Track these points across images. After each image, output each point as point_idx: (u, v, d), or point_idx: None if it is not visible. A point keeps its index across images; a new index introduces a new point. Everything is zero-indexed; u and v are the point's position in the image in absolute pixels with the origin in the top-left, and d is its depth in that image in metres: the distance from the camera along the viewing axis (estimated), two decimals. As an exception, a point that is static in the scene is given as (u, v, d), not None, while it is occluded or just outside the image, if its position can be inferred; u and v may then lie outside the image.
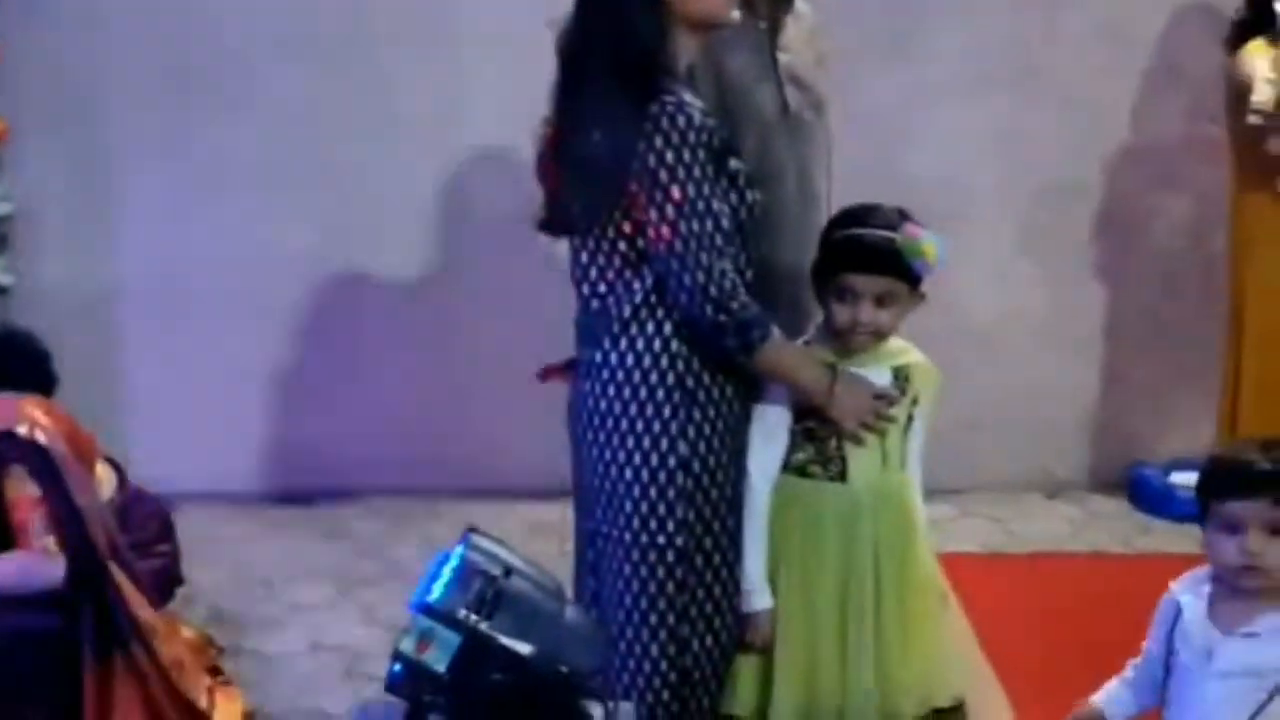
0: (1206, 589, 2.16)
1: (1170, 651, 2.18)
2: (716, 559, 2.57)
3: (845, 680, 2.63)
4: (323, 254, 4.68)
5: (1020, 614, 3.96)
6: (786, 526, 2.62)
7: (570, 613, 2.05)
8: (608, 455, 2.54)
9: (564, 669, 1.96)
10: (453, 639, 1.92)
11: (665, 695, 2.57)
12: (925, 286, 2.65)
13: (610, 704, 2.02)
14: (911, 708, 2.67)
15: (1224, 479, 2.13)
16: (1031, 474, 4.93)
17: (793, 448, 2.61)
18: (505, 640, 1.93)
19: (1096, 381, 4.91)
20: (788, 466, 2.62)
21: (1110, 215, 4.84)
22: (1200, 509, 2.17)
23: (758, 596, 2.60)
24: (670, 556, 2.53)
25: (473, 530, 2.03)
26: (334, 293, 4.73)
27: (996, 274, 4.85)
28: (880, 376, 2.64)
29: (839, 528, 2.61)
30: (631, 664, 2.57)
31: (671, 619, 2.55)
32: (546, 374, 2.70)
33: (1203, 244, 4.73)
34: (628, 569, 2.55)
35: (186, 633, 3.36)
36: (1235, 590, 2.12)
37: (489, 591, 1.97)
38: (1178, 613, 2.16)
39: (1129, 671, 2.32)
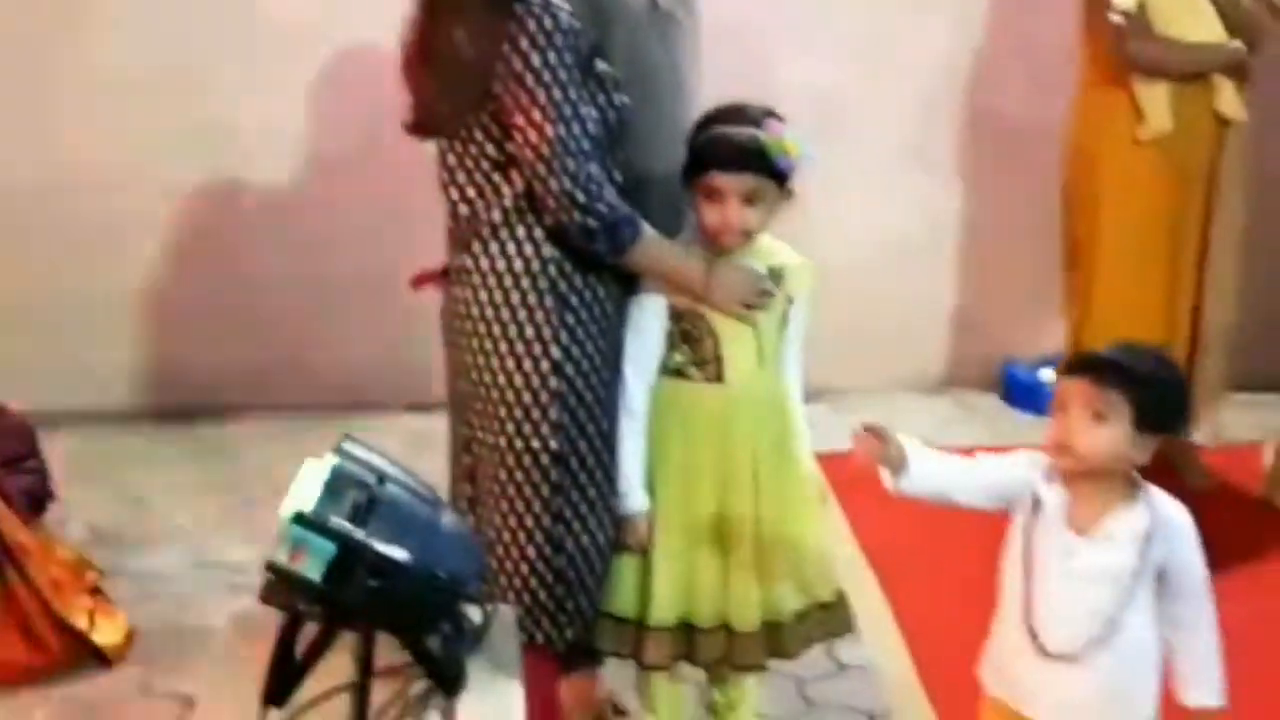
0: (1057, 485, 2.16)
1: (1026, 531, 2.18)
2: (591, 461, 2.58)
3: (726, 579, 2.66)
4: (197, 167, 4.59)
5: (894, 508, 4.03)
6: (665, 429, 2.63)
7: (446, 519, 2.05)
8: (481, 361, 2.54)
9: (441, 574, 1.96)
10: (327, 548, 1.90)
11: (542, 595, 2.59)
12: (803, 191, 2.64)
13: (488, 608, 2.04)
14: (793, 604, 2.72)
15: (1064, 361, 2.14)
16: (908, 374, 5.02)
17: (669, 350, 2.62)
18: (380, 547, 1.91)
19: (970, 285, 5.01)
20: (665, 370, 2.63)
21: (983, 122, 4.91)
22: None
23: (634, 499, 2.62)
24: (545, 460, 2.54)
25: (347, 438, 2.01)
26: (211, 207, 4.65)
27: (871, 181, 4.90)
28: (785, 253, 2.70)
29: (717, 428, 2.63)
30: (509, 566, 2.58)
31: (547, 521, 2.56)
32: (419, 281, 2.69)
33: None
34: (503, 473, 2.56)
35: (63, 554, 3.32)
36: (1082, 484, 2.13)
37: (363, 499, 1.95)
38: (1036, 503, 2.16)
39: (961, 463, 2.29)
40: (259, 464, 4.32)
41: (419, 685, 2.01)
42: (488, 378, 2.54)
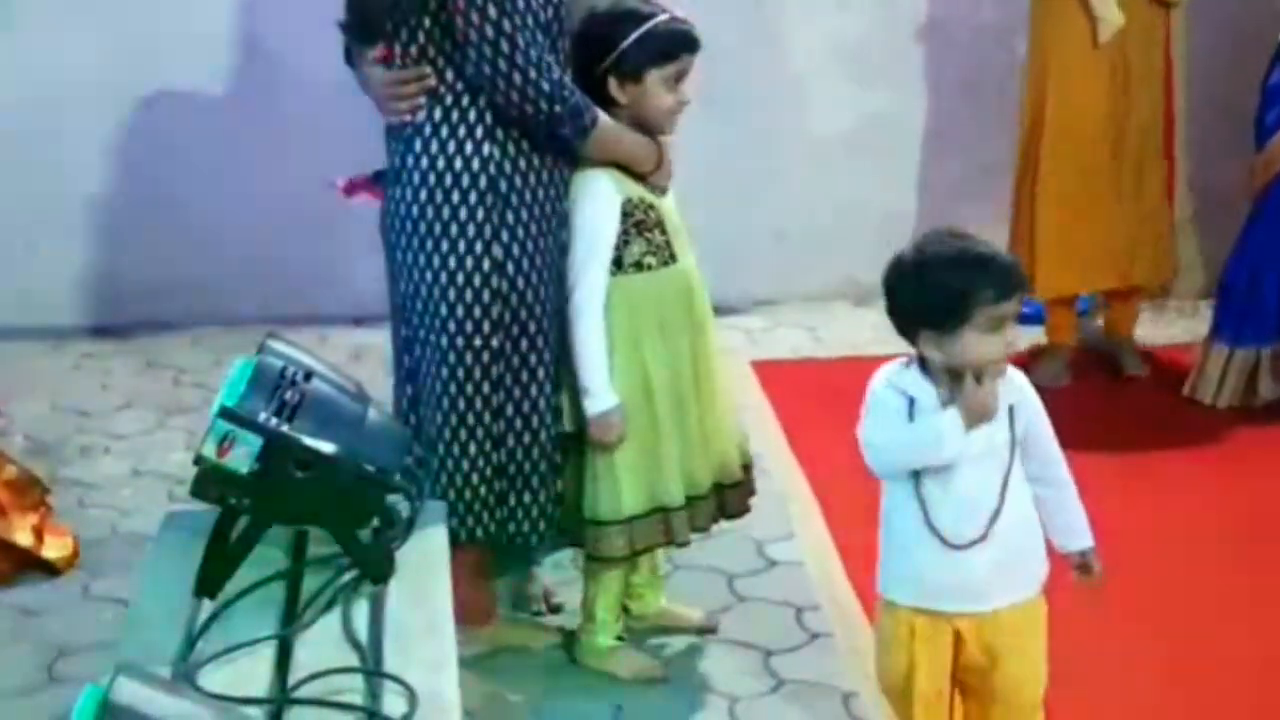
0: (928, 384, 2.18)
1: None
2: (533, 359, 2.63)
3: (710, 442, 2.81)
4: (133, 79, 4.56)
5: (828, 418, 4.12)
6: (642, 321, 2.72)
7: (372, 414, 2.09)
8: (421, 260, 2.58)
9: (368, 467, 2.01)
10: (254, 441, 1.94)
11: (483, 490, 2.65)
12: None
13: (417, 501, 2.09)
14: (738, 463, 2.90)
15: (987, 283, 2.12)
16: (840, 283, 5.08)
17: (623, 246, 2.69)
18: (307, 440, 1.95)
19: (903, 190, 5.05)
20: (622, 266, 2.70)
21: (916, 23, 4.95)
22: (958, 313, 2.13)
23: (604, 396, 2.69)
24: (486, 357, 2.59)
25: (271, 335, 2.05)
26: (149, 119, 4.62)
27: (803, 88, 4.94)
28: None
29: (683, 305, 2.78)
30: (450, 463, 2.64)
31: (488, 417, 2.62)
32: (350, 188, 2.71)
33: (1006, 47, 4.88)
34: (445, 371, 2.60)
35: (8, 474, 3.33)
36: (953, 383, 2.16)
37: (289, 394, 1.99)
38: (912, 405, 2.19)
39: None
40: (196, 375, 4.33)
41: (349, 575, 2.07)
42: (429, 277, 2.58)
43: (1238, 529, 3.50)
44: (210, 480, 2.00)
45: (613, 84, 2.68)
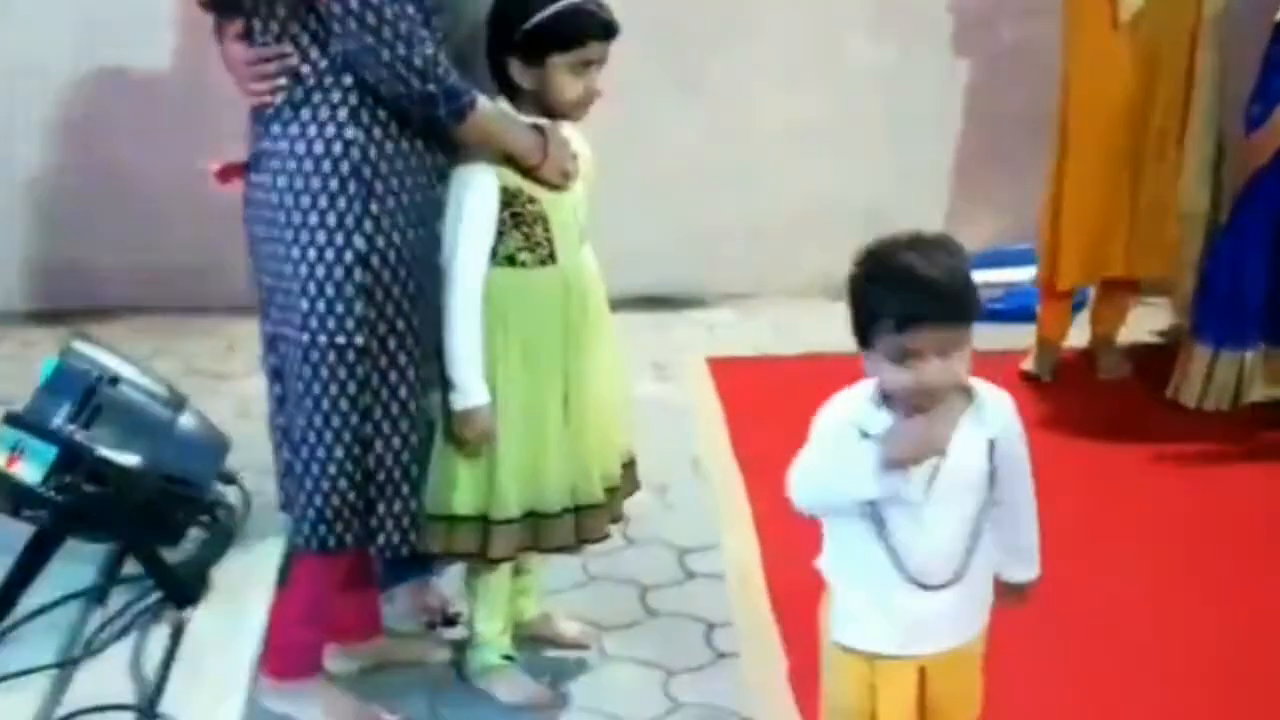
0: (883, 414, 1.96)
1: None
2: (402, 358, 2.47)
3: (572, 460, 2.62)
4: (74, 61, 4.43)
5: (779, 415, 3.93)
6: (502, 319, 2.54)
7: (184, 421, 1.94)
8: (280, 251, 2.41)
9: (174, 478, 1.86)
10: (46, 451, 1.80)
11: (351, 497, 2.48)
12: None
13: (234, 513, 1.93)
14: (617, 468, 2.74)
15: (895, 307, 1.90)
16: (816, 277, 4.89)
17: (499, 239, 2.52)
18: (104, 451, 1.81)
19: (885, 181, 4.85)
20: (495, 258, 2.53)
21: (897, 12, 4.75)
22: (864, 338, 1.97)
23: (473, 393, 2.52)
24: (350, 356, 2.42)
25: (78, 337, 1.89)
26: (89, 103, 4.49)
27: (782, 77, 4.75)
28: (576, 137, 2.63)
29: (556, 310, 2.58)
30: (315, 468, 2.47)
31: (355, 419, 2.45)
32: (224, 173, 2.55)
33: (993, 28, 4.68)
34: (308, 370, 2.44)
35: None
36: (920, 410, 1.95)
37: (89, 401, 1.84)
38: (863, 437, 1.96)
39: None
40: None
41: (152, 597, 1.92)
42: (289, 269, 2.41)
43: (1201, 533, 3.33)
44: (1, 492, 1.86)
45: (515, 66, 2.51)
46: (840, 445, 1.98)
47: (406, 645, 2.86)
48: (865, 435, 1.95)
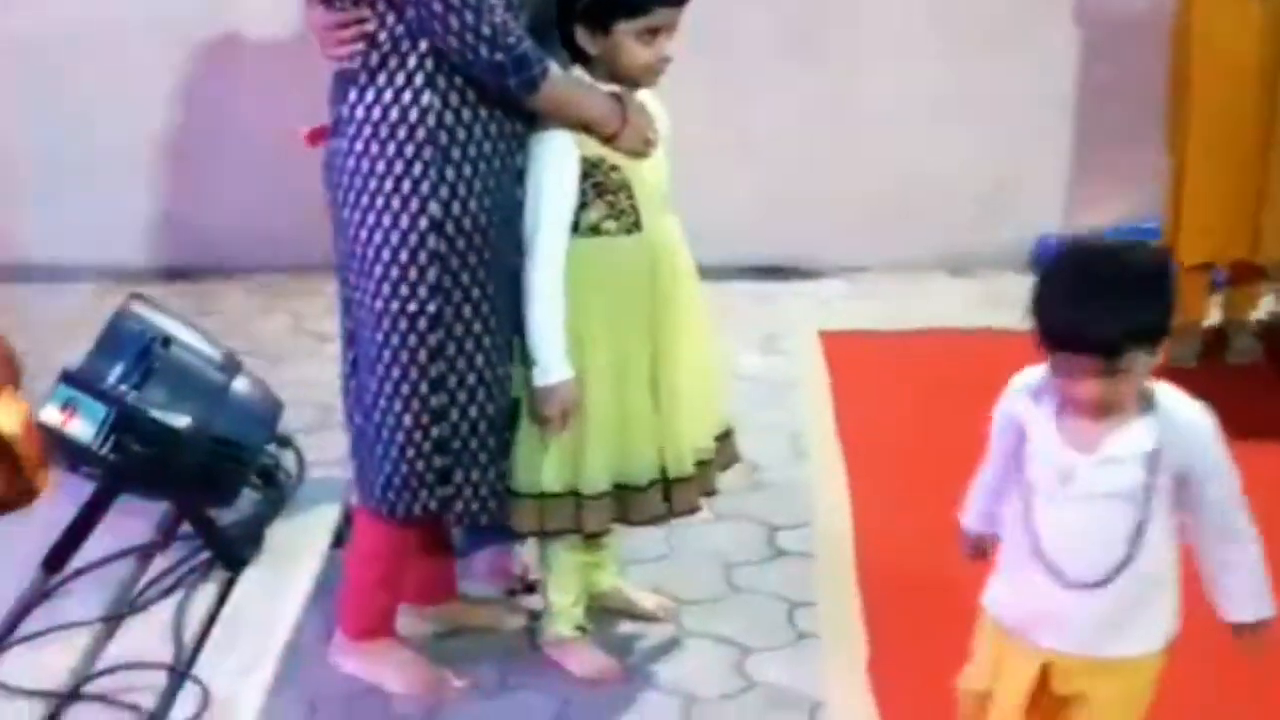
0: (1049, 400, 1.96)
1: (1018, 468, 2.02)
2: (477, 326, 2.45)
3: (661, 432, 2.58)
4: (197, 22, 4.50)
5: (886, 404, 3.85)
6: (587, 291, 2.51)
7: (238, 385, 1.95)
8: (357, 217, 2.41)
9: (223, 441, 1.87)
10: (98, 409, 1.82)
11: (420, 465, 2.47)
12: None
13: (280, 475, 1.94)
14: (712, 438, 2.70)
15: (1045, 323, 1.89)
16: (936, 250, 4.78)
17: (581, 209, 2.48)
18: (155, 412, 1.83)
19: (1006, 153, 4.70)
20: (578, 229, 2.49)
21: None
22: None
23: (554, 369, 2.49)
24: (423, 324, 2.41)
25: (134, 298, 1.91)
26: (210, 63, 4.56)
27: (898, 46, 4.63)
28: (653, 103, 2.58)
29: (644, 279, 2.55)
30: (385, 434, 2.47)
31: (425, 388, 2.44)
32: (314, 136, 2.55)
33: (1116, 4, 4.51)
34: (380, 336, 2.43)
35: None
36: (1092, 418, 1.93)
37: (142, 362, 1.86)
38: (1022, 433, 2.00)
39: (986, 477, 2.13)
40: (243, 322, 4.30)
41: (204, 555, 1.93)
42: (364, 235, 2.41)
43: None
44: (57, 447, 1.89)
45: (581, 34, 2.46)
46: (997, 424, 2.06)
47: (481, 611, 2.86)
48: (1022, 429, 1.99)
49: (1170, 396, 1.96)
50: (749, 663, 2.74)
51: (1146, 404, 1.93)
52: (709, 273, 4.53)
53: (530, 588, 2.92)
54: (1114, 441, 1.92)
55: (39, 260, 4.60)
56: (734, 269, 4.68)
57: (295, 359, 3.83)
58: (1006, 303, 4.32)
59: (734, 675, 2.70)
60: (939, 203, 4.72)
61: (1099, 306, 1.86)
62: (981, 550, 2.17)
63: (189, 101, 4.62)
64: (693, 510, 2.68)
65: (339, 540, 2.07)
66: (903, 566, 2.99)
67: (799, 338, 4.23)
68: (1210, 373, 3.93)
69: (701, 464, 2.65)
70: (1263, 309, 4.21)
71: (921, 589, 2.89)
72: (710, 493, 2.72)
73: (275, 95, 4.51)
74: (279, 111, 4.48)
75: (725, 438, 2.74)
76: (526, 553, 2.97)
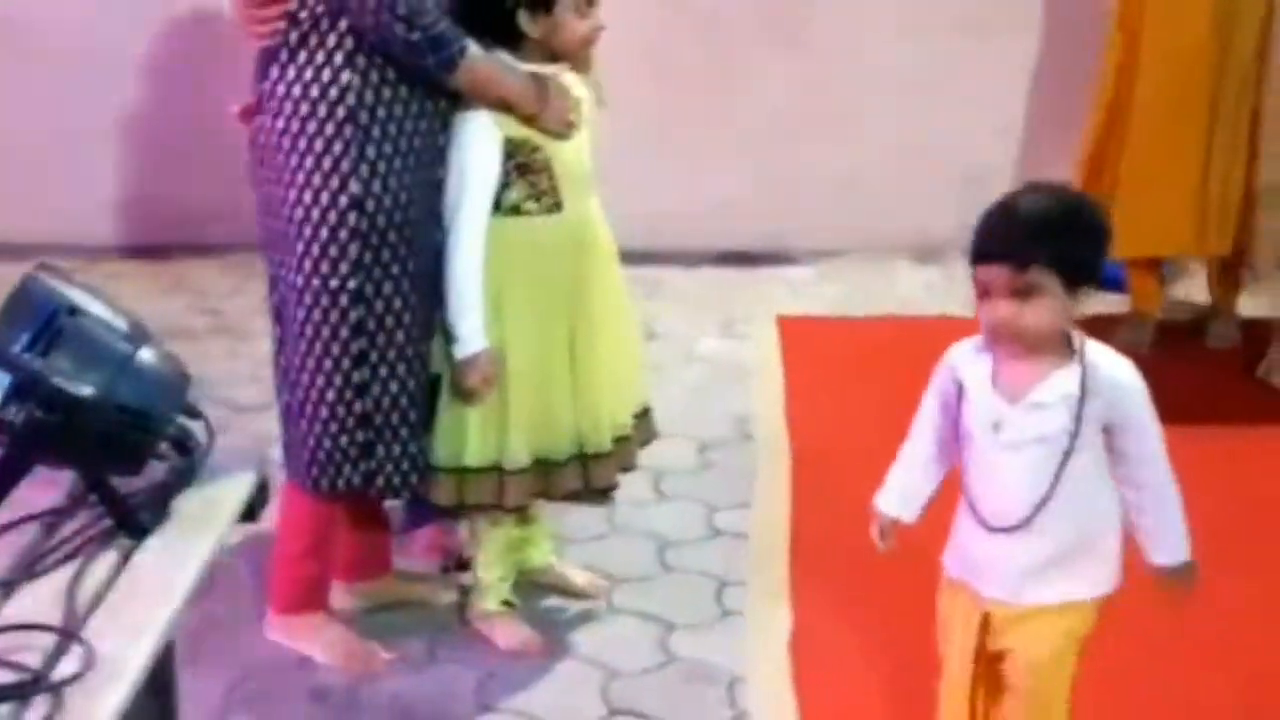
0: (986, 357, 2.04)
1: (957, 423, 2.08)
2: (398, 303, 2.48)
3: (580, 407, 2.63)
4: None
5: (840, 377, 3.89)
6: (508, 269, 2.55)
7: (145, 355, 1.97)
8: (279, 194, 2.45)
9: (128, 411, 1.89)
10: (2, 376, 1.85)
11: (343, 440, 2.52)
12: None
13: (198, 449, 1.97)
14: (631, 413, 2.74)
15: (972, 244, 1.99)
16: (908, 236, 4.79)
17: (504, 188, 2.52)
18: (58, 380, 1.85)
19: (983, 140, 4.71)
20: (500, 208, 2.53)
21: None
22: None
23: (472, 341, 2.53)
24: (344, 300, 2.45)
25: (40, 266, 1.95)
26: (182, 40, 4.60)
27: (872, 32, 4.65)
28: (576, 83, 2.62)
29: (563, 259, 2.59)
30: (309, 410, 2.51)
31: (347, 364, 2.48)
32: (245, 114, 2.58)
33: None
34: (302, 313, 2.47)
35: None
36: (1011, 353, 2.01)
37: (48, 330, 1.88)
38: (960, 386, 2.06)
39: (912, 453, 2.18)
40: (213, 300, 4.35)
41: (108, 523, 1.96)
42: (286, 211, 2.45)
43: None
44: (-39, 413, 1.92)
45: (523, 17, 2.50)
46: (934, 389, 2.10)
47: (414, 586, 2.90)
48: (960, 382, 2.04)
49: (1097, 350, 2.02)
50: (672, 639, 2.77)
51: (1073, 353, 2.00)
52: (679, 258, 4.66)
53: (465, 565, 2.95)
54: (1043, 388, 1.99)
55: (9, 238, 4.64)
56: (703, 254, 4.72)
57: (267, 336, 3.89)
58: (968, 288, 4.39)
59: (656, 650, 2.74)
60: (912, 187, 4.74)
61: (1016, 218, 1.99)
62: (888, 536, 2.20)
63: (161, 79, 4.66)
64: (611, 486, 2.72)
65: (251, 513, 2.11)
66: (836, 549, 3.00)
67: (759, 322, 4.26)
68: (1171, 356, 3.93)
69: (620, 440, 2.69)
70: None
71: (852, 571, 2.91)
72: (628, 468, 2.76)
73: (247, 72, 4.57)
74: (251, 88, 4.57)
75: (643, 415, 2.78)
76: (466, 530, 3.01)
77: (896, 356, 3.96)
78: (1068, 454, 1.99)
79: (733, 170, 4.70)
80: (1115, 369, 2.01)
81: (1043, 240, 1.95)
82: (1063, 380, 1.99)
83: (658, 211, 4.67)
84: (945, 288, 4.48)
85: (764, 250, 4.75)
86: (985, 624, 2.08)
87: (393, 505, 2.94)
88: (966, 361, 2.06)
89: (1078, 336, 2.01)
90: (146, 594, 1.90)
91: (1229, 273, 4.09)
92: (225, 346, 4.04)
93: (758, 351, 4.08)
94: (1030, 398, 1.99)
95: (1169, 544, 2.07)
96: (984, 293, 1.98)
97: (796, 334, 4.19)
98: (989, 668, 2.12)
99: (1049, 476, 1.99)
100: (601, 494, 2.84)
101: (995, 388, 2.02)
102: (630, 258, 4.52)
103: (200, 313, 4.27)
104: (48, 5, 4.49)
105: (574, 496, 2.74)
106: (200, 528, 2.04)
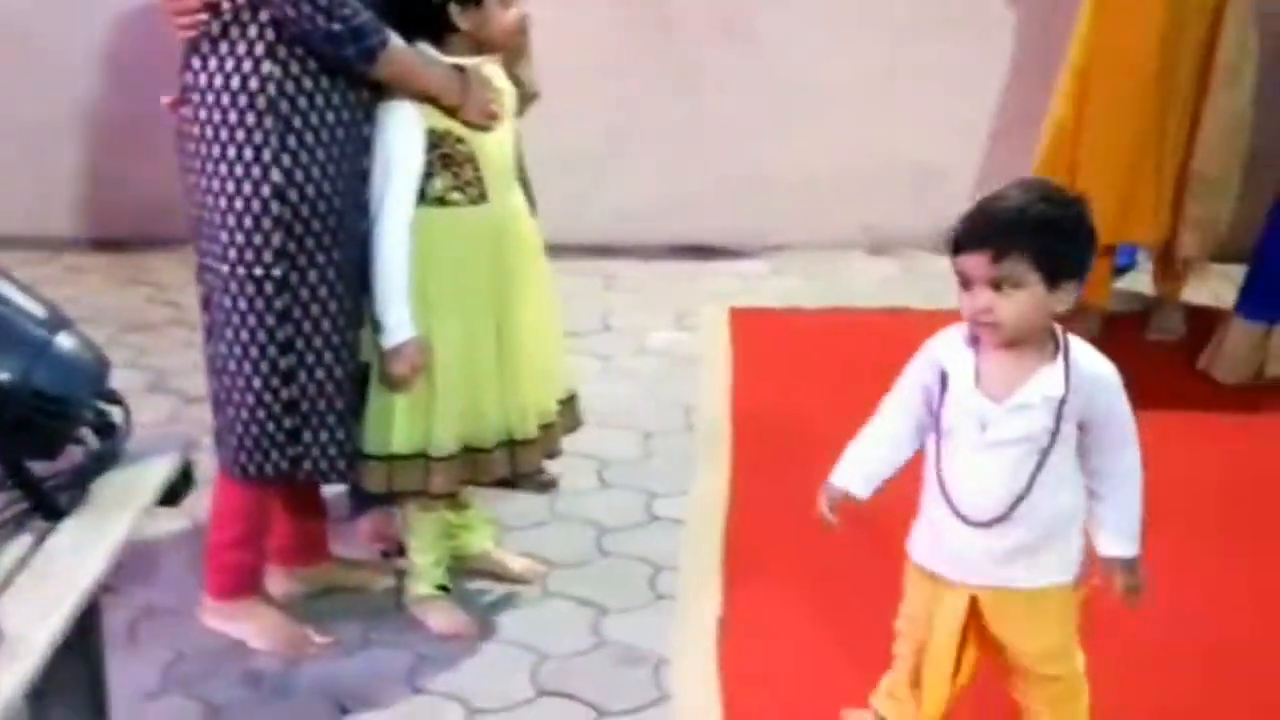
0: (970, 352, 2.06)
1: (937, 415, 2.10)
2: (323, 291, 2.51)
3: (506, 395, 2.66)
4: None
5: (788, 368, 3.93)
6: (434, 258, 2.58)
7: (62, 340, 2.00)
8: (203, 183, 2.48)
9: (45, 396, 1.93)
10: (-88, 362, 1.88)
11: (270, 426, 2.55)
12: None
13: (111, 436, 2.00)
14: (555, 401, 2.77)
15: (953, 234, 2.02)
16: (860, 231, 4.84)
17: (428, 179, 2.56)
18: (-33, 365, 1.88)
19: (935, 137, 4.76)
20: (426, 199, 2.57)
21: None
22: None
23: (399, 330, 2.57)
24: (269, 288, 2.48)
25: (-44, 254, 1.98)
26: (141, 32, 4.63)
27: (827, 29, 4.69)
28: (499, 75, 2.65)
29: (489, 250, 2.62)
30: (236, 396, 2.54)
31: (273, 351, 2.51)
32: (175, 105, 2.61)
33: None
34: (228, 301, 2.51)
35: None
36: (1000, 351, 2.04)
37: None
38: (944, 378, 2.08)
39: (879, 432, 2.20)
40: (171, 293, 4.37)
41: (23, 506, 1.99)
42: (210, 200, 2.48)
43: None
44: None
45: (454, 11, 2.53)
46: (915, 373, 2.13)
47: (352, 572, 2.93)
48: (944, 374, 2.06)
49: (1081, 348, 2.06)
50: (605, 623, 2.80)
51: (1058, 352, 2.03)
52: (635, 251, 4.70)
53: (404, 551, 2.99)
54: (1029, 388, 2.02)
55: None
56: (659, 248, 4.76)
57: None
58: (922, 282, 4.45)
59: (587, 634, 2.77)
60: (865, 184, 4.78)
61: (996, 210, 2.01)
62: (836, 510, 2.22)
63: (117, 71, 4.68)
64: (536, 472, 2.76)
65: (174, 497, 2.14)
66: (770, 535, 3.05)
67: (712, 314, 4.30)
68: (1120, 351, 3.97)
69: (545, 427, 2.72)
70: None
71: (784, 557, 2.96)
72: (553, 454, 2.80)
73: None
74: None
75: (569, 402, 2.82)
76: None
77: (845, 348, 4.03)
78: (1046, 451, 2.04)
79: (690, 166, 4.75)
80: (1095, 365, 2.05)
81: (1020, 232, 1.97)
82: (1047, 380, 2.02)
83: (614, 207, 4.73)
84: (900, 282, 4.53)
85: (720, 244, 4.79)
86: (973, 608, 2.13)
87: (338, 492, 2.99)
88: (951, 354, 2.08)
89: (1061, 333, 2.05)
90: (57, 575, 1.93)
91: (1169, 263, 4.13)
92: (182, 337, 4.06)
93: (707, 342, 4.11)
94: (1015, 399, 2.02)
95: (1125, 535, 2.10)
96: (965, 283, 2.00)
97: (747, 326, 4.22)
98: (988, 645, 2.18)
99: (1028, 474, 2.04)
100: (543, 484, 2.88)
101: (979, 386, 2.05)
102: (587, 251, 4.66)
103: (159, 304, 4.31)
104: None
105: (505, 483, 2.77)
106: (116, 511, 2.08)
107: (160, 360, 3.93)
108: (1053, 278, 1.99)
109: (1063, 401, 2.01)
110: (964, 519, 2.07)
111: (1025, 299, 1.98)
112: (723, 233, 4.81)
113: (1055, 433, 2.02)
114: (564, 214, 4.39)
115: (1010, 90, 4.74)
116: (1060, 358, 2.03)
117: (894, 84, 4.72)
